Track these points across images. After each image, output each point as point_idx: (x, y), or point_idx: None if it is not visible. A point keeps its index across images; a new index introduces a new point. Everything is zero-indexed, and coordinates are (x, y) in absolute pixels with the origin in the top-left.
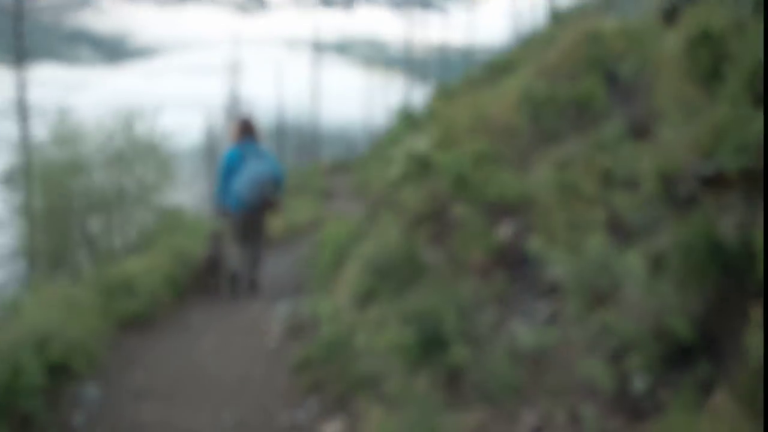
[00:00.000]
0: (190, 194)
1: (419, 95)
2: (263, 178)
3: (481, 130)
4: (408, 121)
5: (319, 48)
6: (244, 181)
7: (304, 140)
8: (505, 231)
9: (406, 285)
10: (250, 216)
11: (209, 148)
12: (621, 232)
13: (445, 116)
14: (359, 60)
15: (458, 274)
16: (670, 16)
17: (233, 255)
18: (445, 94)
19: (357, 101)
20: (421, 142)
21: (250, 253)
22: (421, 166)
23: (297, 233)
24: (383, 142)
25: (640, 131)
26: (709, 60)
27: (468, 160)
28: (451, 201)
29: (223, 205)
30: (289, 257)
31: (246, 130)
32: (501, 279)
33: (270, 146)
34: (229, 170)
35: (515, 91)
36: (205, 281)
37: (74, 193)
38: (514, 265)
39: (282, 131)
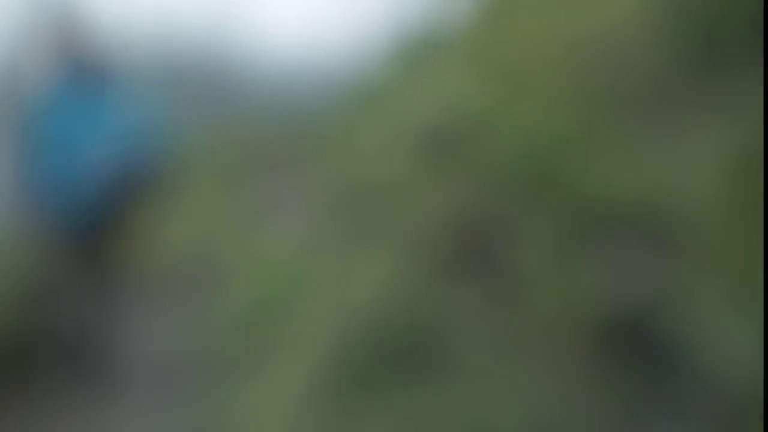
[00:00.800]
0: None
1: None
2: (110, 157)
3: (571, 68)
4: (416, 55)
5: None
6: (65, 164)
7: (213, 86)
8: (618, 271)
9: (411, 378)
10: (84, 241)
11: (10, 90)
12: None
13: (495, 43)
14: None
15: (520, 359)
16: None
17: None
18: None
19: (314, 16)
20: (445, 95)
21: (94, 306)
22: (443, 142)
23: (194, 268)
24: (367, 95)
25: None
26: None
27: (550, 127)
28: (506, 209)
29: (34, 206)
30: (178, 315)
31: (70, 47)
32: (609, 371)
33: (136, 89)
34: (40, 136)
35: None
36: (15, 366)
37: None
38: (638, 343)
39: (171, 68)
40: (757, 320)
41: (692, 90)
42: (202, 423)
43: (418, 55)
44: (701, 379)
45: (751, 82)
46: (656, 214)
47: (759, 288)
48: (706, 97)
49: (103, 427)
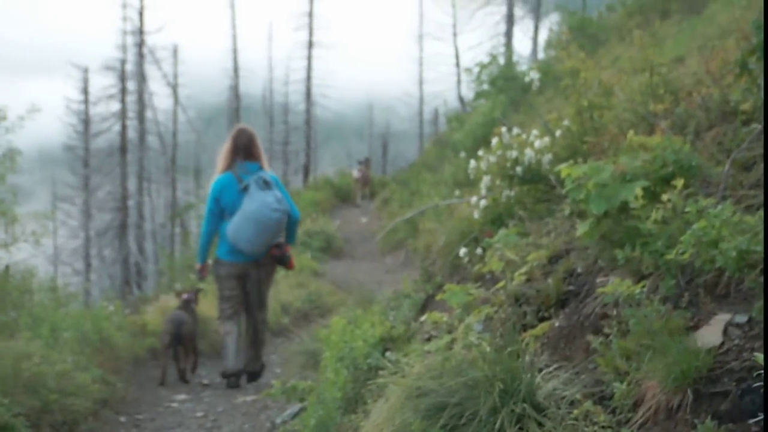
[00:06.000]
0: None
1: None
2: (273, 219)
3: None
4: (512, 93)
5: None
6: (245, 223)
7: (286, 134)
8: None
9: None
10: (252, 268)
11: (84, 149)
12: None
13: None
14: None
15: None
16: None
17: (222, 332)
18: (584, 38)
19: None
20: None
21: (249, 324)
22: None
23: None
24: (455, 137)
25: None
26: None
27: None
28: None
29: (205, 261)
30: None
31: (243, 148)
32: None
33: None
34: (222, 207)
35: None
36: (163, 367)
37: None
38: None
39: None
40: None
41: None
42: None
43: (511, 96)
44: None
45: None
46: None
47: None
48: None
49: None
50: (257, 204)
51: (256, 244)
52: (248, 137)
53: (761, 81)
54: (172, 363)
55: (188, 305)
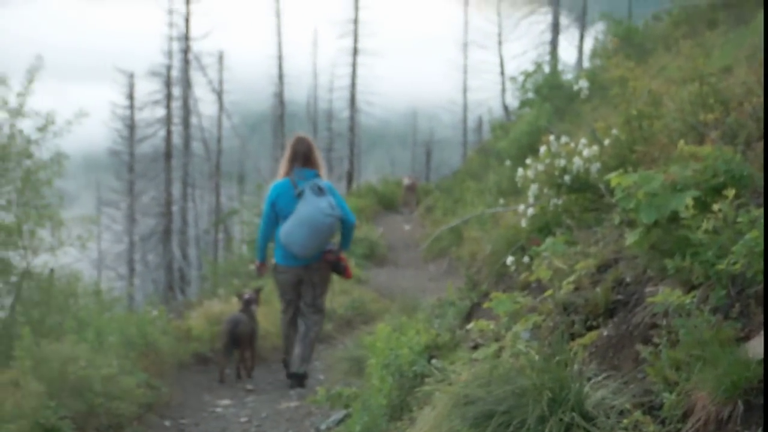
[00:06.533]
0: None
1: (572, 52)
2: (326, 224)
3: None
4: (557, 102)
5: None
6: (297, 227)
7: (330, 141)
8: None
9: None
10: (304, 272)
11: (129, 155)
12: None
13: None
14: None
15: None
16: None
17: (282, 326)
18: (630, 47)
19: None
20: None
21: (302, 324)
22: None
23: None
24: (499, 146)
25: None
26: None
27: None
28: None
29: (263, 259)
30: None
31: (302, 155)
32: None
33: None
34: (277, 212)
35: None
36: (221, 366)
37: None
38: None
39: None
40: None
41: None
42: None
43: (557, 103)
44: None
45: None
46: None
47: None
48: None
49: None
50: (311, 208)
51: (308, 247)
52: (306, 145)
53: None
54: (232, 362)
55: (248, 306)
